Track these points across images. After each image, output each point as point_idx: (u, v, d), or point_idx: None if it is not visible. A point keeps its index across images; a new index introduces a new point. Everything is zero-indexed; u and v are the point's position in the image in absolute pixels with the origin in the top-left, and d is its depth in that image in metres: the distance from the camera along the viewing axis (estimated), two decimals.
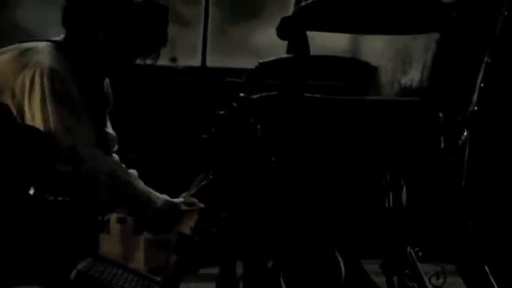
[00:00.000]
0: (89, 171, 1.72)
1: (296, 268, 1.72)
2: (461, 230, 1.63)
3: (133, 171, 1.96)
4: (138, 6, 1.87)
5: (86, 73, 1.88)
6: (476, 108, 1.65)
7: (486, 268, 1.61)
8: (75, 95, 1.77)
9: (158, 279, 1.89)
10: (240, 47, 3.81)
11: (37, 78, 1.73)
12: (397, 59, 1.91)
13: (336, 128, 1.61)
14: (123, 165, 1.92)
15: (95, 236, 1.99)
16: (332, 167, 1.65)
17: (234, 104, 1.66)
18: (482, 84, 1.64)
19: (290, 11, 3.65)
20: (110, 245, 2.36)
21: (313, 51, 1.57)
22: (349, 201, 1.79)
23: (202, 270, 1.89)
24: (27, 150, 1.66)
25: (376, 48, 2.34)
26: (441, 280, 1.78)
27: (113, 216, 2.36)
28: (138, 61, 1.94)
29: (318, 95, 1.58)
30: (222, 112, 1.73)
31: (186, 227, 1.82)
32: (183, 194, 1.94)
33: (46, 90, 1.72)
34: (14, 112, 1.76)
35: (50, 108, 1.72)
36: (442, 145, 1.64)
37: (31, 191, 1.72)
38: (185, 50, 2.10)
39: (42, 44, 1.84)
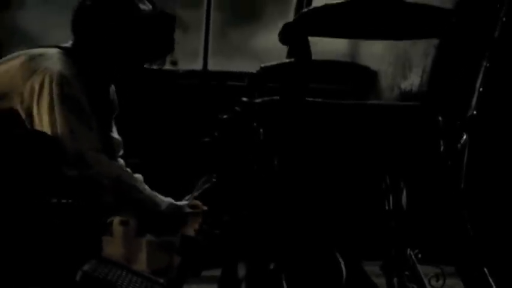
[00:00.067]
0: (94, 175, 1.74)
1: (298, 269, 1.73)
2: (460, 232, 1.64)
3: (138, 176, 1.97)
4: (147, 15, 1.89)
5: (94, 79, 1.89)
6: (475, 112, 1.67)
7: (485, 270, 1.62)
8: (83, 101, 1.79)
9: (161, 281, 1.90)
10: (241, 50, 3.82)
11: (46, 84, 1.75)
12: (397, 63, 1.93)
13: (337, 132, 1.62)
14: (129, 170, 1.94)
15: (98, 238, 2.00)
16: (333, 170, 1.67)
17: (237, 108, 1.68)
18: (481, 89, 1.66)
19: (291, 14, 3.67)
20: (112, 247, 2.36)
21: (314, 55, 1.60)
22: (350, 204, 1.81)
23: (204, 272, 1.91)
24: (34, 154, 1.67)
25: (375, 52, 2.37)
26: (441, 282, 1.80)
27: (116, 219, 2.37)
28: (144, 66, 1.96)
29: (320, 99, 1.60)
30: (225, 116, 1.74)
31: (191, 229, 1.84)
32: (186, 197, 1.96)
33: (54, 95, 1.74)
34: (23, 116, 1.78)
35: (57, 113, 1.74)
36: (442, 148, 1.66)
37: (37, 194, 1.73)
38: (186, 54, 2.12)
39: (51, 51, 1.86)
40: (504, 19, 1.63)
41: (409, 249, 1.78)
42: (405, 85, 1.85)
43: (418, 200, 1.80)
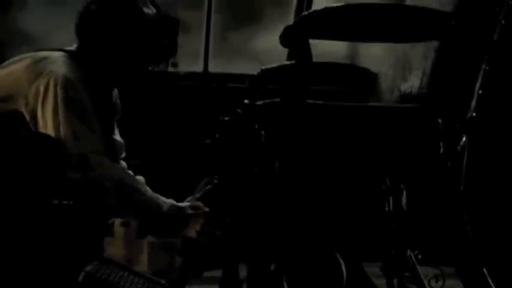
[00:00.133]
0: (97, 178, 1.74)
1: (299, 271, 1.74)
2: (460, 234, 1.64)
3: (140, 178, 1.98)
4: (151, 19, 1.90)
5: (98, 82, 1.90)
6: (474, 114, 1.67)
7: (484, 271, 1.63)
8: (87, 104, 1.80)
9: (163, 281, 1.91)
10: (241, 52, 3.83)
11: (51, 87, 1.75)
12: (397, 66, 1.93)
13: (338, 134, 1.63)
14: (131, 172, 1.95)
15: (100, 239, 2.01)
16: (334, 172, 1.67)
17: (239, 110, 1.69)
18: (480, 91, 1.66)
19: (290, 16, 3.67)
20: (114, 248, 2.38)
21: (314, 57, 1.60)
22: (350, 205, 1.81)
23: (206, 273, 1.92)
24: (37, 156, 1.68)
25: (374, 54, 2.37)
26: (440, 283, 1.80)
27: (117, 220, 2.38)
28: (147, 69, 1.97)
29: (320, 102, 1.60)
30: (226, 118, 1.75)
31: (192, 230, 1.85)
32: (188, 198, 1.96)
33: (59, 98, 1.74)
34: (27, 119, 1.78)
35: (61, 116, 1.74)
36: (441, 150, 1.66)
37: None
38: (186, 55, 2.13)
39: (55, 54, 1.87)
40: (503, 22, 1.64)
41: (409, 251, 1.79)
42: (405, 87, 1.85)
43: (418, 202, 1.80)
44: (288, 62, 2.13)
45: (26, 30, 3.69)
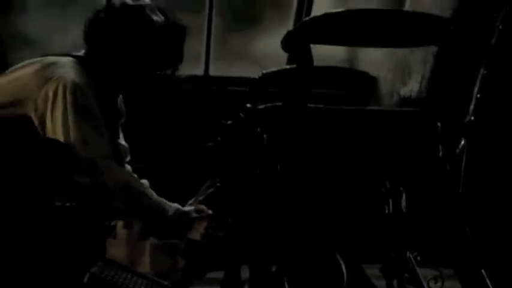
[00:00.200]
0: (105, 182, 1.75)
1: (300, 272, 1.76)
2: (459, 236, 1.66)
3: (145, 181, 2.00)
4: (160, 27, 1.91)
5: (104, 88, 1.91)
6: (472, 118, 1.69)
7: (483, 272, 1.65)
8: (95, 109, 1.81)
9: (166, 283, 1.93)
10: (241, 55, 3.84)
11: (60, 92, 1.76)
12: (396, 70, 1.95)
13: (339, 137, 1.64)
14: (136, 176, 1.96)
15: (103, 241, 2.02)
16: (334, 175, 1.69)
17: (241, 114, 1.70)
18: (478, 95, 1.68)
19: (290, 20, 3.69)
20: (116, 249, 2.38)
21: (314, 61, 1.61)
22: (350, 208, 1.83)
23: (208, 274, 1.94)
24: (46, 160, 1.68)
25: (372, 57, 2.39)
26: (439, 284, 1.82)
27: (120, 222, 2.39)
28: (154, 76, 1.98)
29: (321, 105, 1.62)
30: (229, 122, 1.76)
31: (197, 233, 1.86)
32: (190, 201, 1.98)
33: (68, 103, 1.75)
34: (36, 123, 1.79)
35: (70, 121, 1.75)
36: (440, 153, 1.68)
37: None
38: (187, 59, 2.14)
39: (64, 59, 1.88)
40: (501, 27, 1.66)
41: (408, 252, 1.80)
42: (404, 91, 1.87)
43: (418, 204, 1.82)
44: (288, 66, 2.15)
45: (26, 32, 3.70)
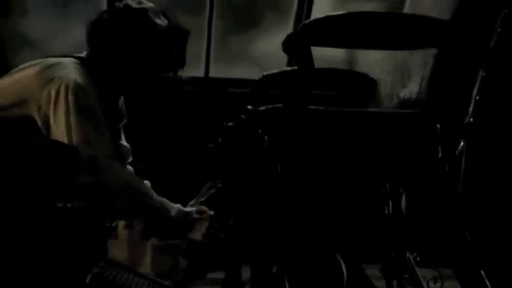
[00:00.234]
0: (107, 182, 1.76)
1: (300, 272, 1.77)
2: (458, 236, 1.67)
3: (146, 182, 2.00)
4: (163, 31, 1.92)
5: (106, 89, 1.92)
6: (472, 119, 1.69)
7: (482, 272, 1.65)
8: (97, 109, 1.82)
9: (167, 283, 1.94)
10: (241, 56, 3.85)
11: (62, 92, 1.77)
12: (396, 72, 1.96)
13: (339, 139, 1.65)
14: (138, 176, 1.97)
15: (104, 242, 2.03)
16: (335, 176, 1.70)
17: (242, 116, 1.71)
18: (477, 97, 1.69)
19: (290, 21, 3.70)
20: (117, 250, 2.38)
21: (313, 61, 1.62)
22: (351, 209, 1.84)
23: (208, 275, 1.95)
24: (48, 162, 1.69)
25: (372, 59, 2.40)
26: (439, 284, 1.83)
27: (121, 222, 2.40)
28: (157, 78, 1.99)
29: (322, 107, 1.63)
30: (230, 123, 1.77)
31: (198, 233, 1.87)
32: (191, 202, 1.99)
33: (70, 103, 1.76)
34: (39, 123, 1.79)
35: (73, 120, 1.76)
36: (440, 155, 1.69)
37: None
38: (187, 60, 2.15)
39: (66, 60, 1.89)
40: (499, 30, 1.66)
41: (408, 253, 1.81)
42: (404, 93, 1.88)
43: (417, 205, 1.83)
44: (288, 68, 2.16)
45: (26, 33, 3.71)
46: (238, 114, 1.80)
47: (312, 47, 1.60)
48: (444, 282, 1.83)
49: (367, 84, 2.09)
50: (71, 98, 1.76)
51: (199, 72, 3.64)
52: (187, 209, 1.91)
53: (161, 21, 1.92)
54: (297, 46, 1.60)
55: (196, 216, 1.88)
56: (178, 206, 1.88)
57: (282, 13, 3.70)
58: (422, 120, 1.71)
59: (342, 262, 1.81)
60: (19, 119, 1.80)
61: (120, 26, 1.89)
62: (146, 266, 2.25)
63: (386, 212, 1.80)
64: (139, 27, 1.90)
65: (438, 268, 1.83)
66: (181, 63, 2.00)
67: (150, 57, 1.92)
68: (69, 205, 1.78)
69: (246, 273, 1.87)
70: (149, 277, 1.93)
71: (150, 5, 1.95)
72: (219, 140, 1.93)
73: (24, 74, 1.85)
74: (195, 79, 3.56)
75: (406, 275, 1.79)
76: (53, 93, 1.77)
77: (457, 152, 1.70)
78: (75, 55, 1.93)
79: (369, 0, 3.64)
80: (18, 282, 1.69)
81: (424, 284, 1.80)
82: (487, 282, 1.65)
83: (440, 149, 1.69)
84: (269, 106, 1.68)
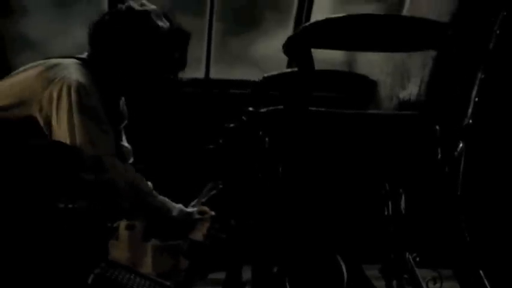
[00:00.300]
0: (111, 179, 1.77)
1: (301, 273, 1.78)
2: (457, 237, 1.67)
3: (148, 183, 2.01)
4: (164, 33, 1.93)
5: (107, 90, 1.93)
6: (471, 121, 1.70)
7: (481, 273, 1.66)
8: (100, 109, 1.83)
9: (168, 283, 1.95)
10: (241, 58, 3.86)
11: (64, 92, 1.78)
12: (396, 74, 1.97)
13: (339, 140, 1.66)
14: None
15: (105, 242, 2.04)
16: (335, 177, 1.70)
17: (243, 117, 1.72)
18: (476, 99, 1.70)
19: (289, 23, 3.71)
20: (118, 250, 2.39)
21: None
22: (351, 210, 1.85)
23: (209, 275, 1.96)
24: (50, 163, 1.69)
25: (372, 61, 2.41)
26: (438, 285, 1.84)
27: (122, 223, 2.41)
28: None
29: (323, 109, 1.64)
30: (231, 125, 1.78)
31: (199, 233, 1.88)
32: (192, 203, 2.00)
33: (73, 102, 1.77)
34: (41, 124, 1.81)
35: (76, 119, 1.76)
36: (439, 156, 1.70)
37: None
38: (188, 62, 2.16)
39: (67, 61, 1.90)
40: (498, 32, 1.67)
41: (407, 253, 1.82)
42: (404, 95, 1.89)
43: (417, 206, 1.83)
44: (289, 70, 2.17)
45: (27, 34, 3.71)
46: (238, 116, 1.81)
47: (312, 49, 1.61)
48: (443, 283, 1.84)
49: (367, 86, 2.10)
50: (73, 97, 1.77)
51: (200, 74, 3.65)
52: (189, 209, 1.92)
53: (163, 24, 1.93)
54: (297, 48, 1.61)
55: (197, 216, 1.89)
56: (180, 206, 1.89)
57: (282, 14, 3.71)
58: (421, 122, 1.72)
59: (342, 263, 1.82)
60: (21, 119, 1.81)
61: (123, 27, 1.90)
62: (147, 266, 2.26)
63: (386, 213, 1.81)
64: (141, 29, 1.91)
65: (437, 269, 1.84)
66: (182, 65, 2.01)
67: (152, 59, 1.93)
68: (70, 206, 1.79)
69: (246, 274, 1.88)
70: (150, 277, 1.94)
71: (153, 7, 1.96)
72: (220, 141, 1.94)
73: (26, 75, 1.86)
74: (195, 80, 3.57)
75: (405, 276, 1.80)
76: (54, 94, 1.78)
77: (456, 153, 1.71)
78: (76, 56, 1.94)
79: (369, 2, 3.66)
80: (21, 282, 1.70)
81: (424, 285, 1.81)
82: (486, 283, 1.66)
83: (439, 150, 1.70)
84: (270, 108, 1.68)
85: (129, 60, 1.92)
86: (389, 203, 1.81)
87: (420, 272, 1.82)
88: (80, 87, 1.79)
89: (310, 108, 1.62)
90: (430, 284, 1.83)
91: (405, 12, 2.90)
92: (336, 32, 1.61)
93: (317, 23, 1.60)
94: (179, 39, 1.97)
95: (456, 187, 1.70)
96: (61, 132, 1.77)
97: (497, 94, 2.29)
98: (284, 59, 3.35)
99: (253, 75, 3.34)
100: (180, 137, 3.40)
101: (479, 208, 2.46)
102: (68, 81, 1.79)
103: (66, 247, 1.73)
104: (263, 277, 1.72)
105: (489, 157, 2.51)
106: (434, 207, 1.71)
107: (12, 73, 1.95)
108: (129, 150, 2.11)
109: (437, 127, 1.70)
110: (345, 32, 1.61)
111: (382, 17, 1.67)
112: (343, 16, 1.60)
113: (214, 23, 3.58)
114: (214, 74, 3.67)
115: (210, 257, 1.85)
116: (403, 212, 1.81)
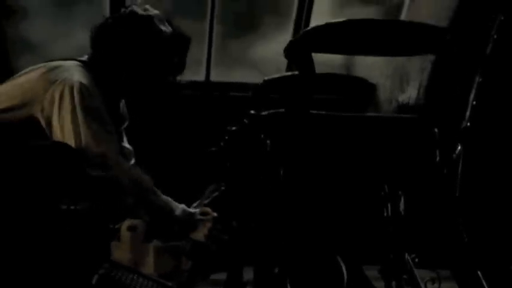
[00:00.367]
0: (115, 176, 1.79)
1: (302, 273, 1.79)
2: (455, 238, 1.70)
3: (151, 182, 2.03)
4: (167, 38, 1.95)
5: (108, 92, 1.94)
6: (468, 124, 1.73)
7: (479, 273, 1.69)
8: (102, 108, 1.85)
9: (170, 284, 1.96)
10: (241, 60, 3.87)
11: (66, 93, 1.79)
12: (395, 77, 1.98)
13: (340, 143, 1.68)
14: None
15: (107, 244, 2.05)
16: (335, 180, 1.72)
17: (245, 121, 1.74)
18: (474, 102, 1.72)
19: (288, 26, 3.72)
20: (120, 252, 2.40)
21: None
22: (351, 211, 1.87)
23: (211, 276, 1.97)
24: (53, 162, 1.70)
25: (371, 65, 2.42)
26: (436, 285, 1.85)
27: (124, 225, 2.42)
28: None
29: (323, 112, 1.66)
30: (233, 128, 1.80)
31: (200, 234, 1.90)
32: (194, 204, 2.02)
33: (76, 102, 1.78)
34: (43, 124, 1.82)
35: (80, 119, 1.78)
36: (438, 158, 1.71)
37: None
38: (188, 64, 2.18)
39: (68, 63, 1.92)
40: (495, 37, 1.70)
41: (406, 254, 1.83)
42: (403, 98, 1.91)
43: (415, 207, 1.85)
44: (289, 73, 2.19)
45: (28, 37, 3.72)
46: (239, 118, 1.83)
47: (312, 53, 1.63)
48: (442, 283, 1.85)
49: (366, 89, 2.12)
50: (76, 98, 1.79)
51: (201, 77, 3.66)
52: (191, 209, 1.93)
53: (166, 29, 1.95)
54: (298, 53, 1.62)
55: (199, 217, 1.91)
56: (182, 206, 1.91)
57: (282, 18, 3.72)
58: (420, 125, 1.74)
59: (342, 263, 1.83)
60: (23, 120, 1.83)
61: (126, 31, 1.92)
62: (149, 267, 2.28)
63: (386, 214, 1.82)
64: (145, 34, 1.93)
65: (436, 269, 1.85)
66: (182, 68, 2.03)
67: (154, 62, 1.95)
68: (72, 207, 1.80)
69: (247, 274, 1.90)
70: (153, 278, 1.95)
71: (155, 12, 1.99)
72: (222, 143, 1.96)
73: (28, 77, 1.88)
74: (196, 83, 3.58)
75: (404, 276, 1.81)
76: (56, 95, 1.79)
77: (454, 155, 1.73)
78: (77, 58, 1.96)
79: (367, 5, 3.68)
80: (23, 283, 1.71)
81: (422, 285, 1.82)
82: (484, 283, 1.68)
83: (438, 152, 1.71)
84: (271, 111, 1.70)
85: (131, 63, 1.94)
86: (389, 205, 1.82)
87: (419, 273, 1.83)
88: (82, 88, 1.80)
89: (311, 111, 1.64)
90: (429, 285, 1.85)
91: (404, 15, 2.92)
92: (336, 37, 1.63)
93: (317, 27, 1.62)
94: (180, 43, 1.99)
95: (454, 188, 1.71)
96: (64, 132, 1.79)
97: (495, 97, 2.31)
98: (283, 61, 3.37)
99: (253, 77, 3.36)
100: (181, 139, 3.41)
101: (477, 209, 2.47)
102: (70, 82, 1.80)
103: (68, 248, 1.74)
104: (265, 277, 1.74)
105: (487, 159, 2.53)
106: (433, 208, 1.72)
107: (14, 76, 1.97)
108: (130, 151, 2.13)
109: (436, 130, 1.71)
110: (345, 37, 1.63)
111: (381, 22, 1.70)
112: (343, 21, 1.62)
113: (215, 26, 3.59)
114: (214, 77, 3.68)
115: (213, 257, 1.87)
116: (402, 213, 1.82)
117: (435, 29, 1.67)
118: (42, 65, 1.91)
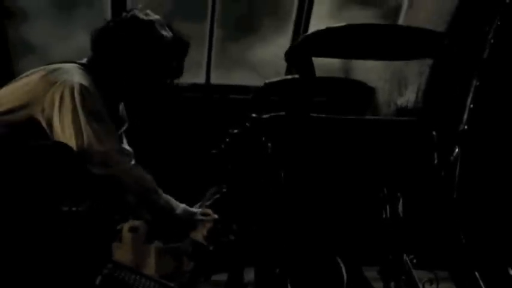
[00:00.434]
0: (117, 174, 1.81)
1: (302, 274, 1.81)
2: (453, 239, 1.72)
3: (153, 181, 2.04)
4: (168, 42, 1.97)
5: (107, 94, 1.96)
6: (466, 127, 1.74)
7: (476, 274, 1.71)
8: (103, 109, 1.87)
9: (172, 285, 1.98)
10: (240, 63, 3.88)
11: (66, 93, 1.81)
12: (394, 81, 2.00)
13: (339, 145, 1.70)
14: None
15: (109, 245, 2.06)
16: (335, 182, 1.74)
17: (247, 124, 1.76)
18: (471, 105, 1.74)
19: (289, 28, 3.74)
20: (122, 253, 2.41)
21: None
22: (350, 213, 1.88)
23: (212, 277, 1.99)
24: (54, 164, 1.71)
25: (370, 68, 2.44)
26: (434, 286, 1.86)
27: (125, 226, 2.43)
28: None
29: (323, 115, 1.68)
30: (235, 131, 1.82)
31: (199, 234, 1.92)
32: (196, 206, 2.04)
33: (77, 103, 1.80)
34: (44, 125, 1.84)
35: (81, 118, 1.80)
36: (436, 161, 1.73)
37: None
38: (189, 67, 2.19)
39: (68, 65, 1.93)
40: (492, 41, 1.71)
41: (405, 255, 1.84)
42: (401, 101, 1.93)
43: (414, 209, 1.86)
44: (290, 76, 2.21)
45: (29, 40, 3.73)
46: (239, 120, 1.84)
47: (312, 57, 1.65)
48: (440, 284, 1.86)
49: (365, 92, 2.14)
50: (77, 98, 1.80)
51: (201, 79, 3.67)
52: (193, 209, 1.95)
53: (167, 33, 1.98)
54: (298, 57, 1.64)
55: (200, 217, 1.93)
56: (184, 205, 1.93)
57: (281, 21, 3.73)
58: (419, 128, 1.76)
59: (342, 264, 1.85)
60: (24, 121, 1.84)
61: (128, 36, 1.94)
62: (150, 268, 2.29)
63: (384, 216, 1.83)
64: (146, 39, 1.95)
65: (434, 270, 1.86)
66: (180, 72, 2.06)
67: (153, 67, 1.97)
68: (74, 209, 1.82)
69: (248, 275, 1.91)
70: (154, 279, 1.97)
71: (157, 16, 2.01)
72: (223, 146, 1.98)
73: (29, 79, 1.90)
74: (196, 85, 3.59)
75: (403, 277, 1.82)
76: (56, 96, 1.81)
77: (452, 158, 1.74)
78: (77, 61, 1.98)
79: (366, 8, 3.70)
80: (27, 284, 1.72)
81: (420, 286, 1.83)
82: (481, 284, 1.70)
83: (436, 155, 1.73)
84: (272, 114, 1.72)
85: (131, 67, 1.96)
86: (388, 207, 1.83)
87: (417, 274, 1.84)
88: (82, 89, 1.82)
89: (311, 114, 1.66)
90: (427, 285, 1.86)
91: (401, 18, 2.93)
92: (336, 41, 1.65)
93: (318, 32, 1.64)
94: (180, 48, 2.01)
95: (452, 190, 1.73)
96: (65, 132, 1.80)
97: (492, 101, 2.33)
98: (283, 64, 3.39)
99: (252, 80, 3.38)
100: (181, 142, 3.42)
101: (475, 211, 2.49)
102: (70, 84, 1.82)
103: (70, 250, 1.75)
104: (265, 278, 1.76)
105: (484, 161, 2.55)
106: (431, 210, 1.74)
107: (16, 78, 2.00)
108: (130, 153, 2.15)
109: (434, 132, 1.73)
110: (344, 41, 1.65)
111: (380, 26, 1.71)
112: (343, 26, 1.64)
113: (215, 29, 3.60)
114: (214, 79, 3.69)
115: (215, 258, 1.89)
116: (401, 215, 1.83)
117: (433, 33, 1.69)
118: (41, 68, 1.93)
